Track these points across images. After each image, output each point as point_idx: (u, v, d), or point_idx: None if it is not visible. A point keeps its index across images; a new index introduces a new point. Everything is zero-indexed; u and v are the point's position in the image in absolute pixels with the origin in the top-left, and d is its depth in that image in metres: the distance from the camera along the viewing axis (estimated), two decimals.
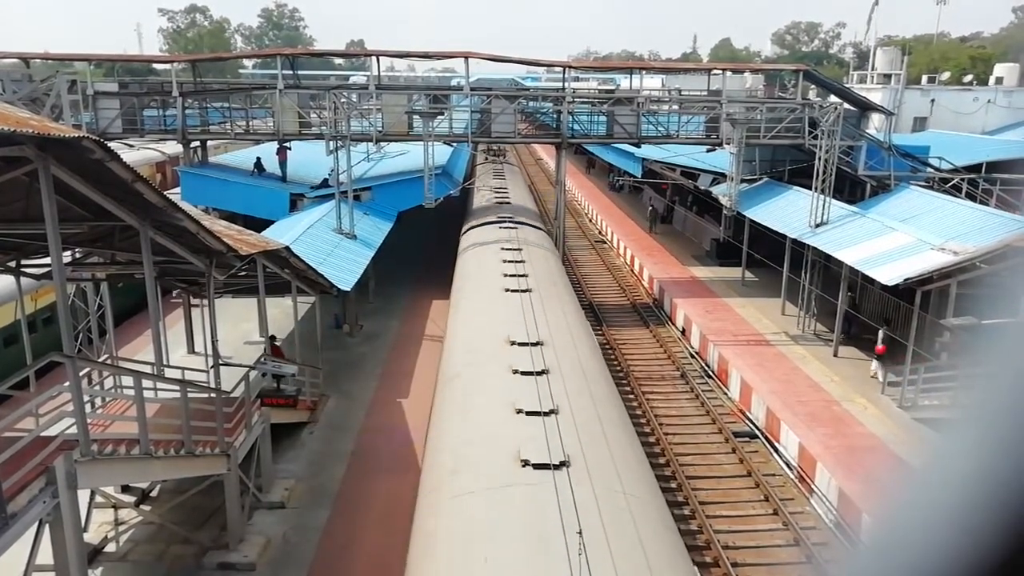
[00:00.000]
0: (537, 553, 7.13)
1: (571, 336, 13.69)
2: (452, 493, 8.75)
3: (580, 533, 6.60)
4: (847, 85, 36.11)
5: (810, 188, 23.43)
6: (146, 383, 11.39)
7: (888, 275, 17.82)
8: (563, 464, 8.52)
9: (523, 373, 11.42)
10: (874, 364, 19.96)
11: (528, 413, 9.97)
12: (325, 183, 26.28)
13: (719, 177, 27.66)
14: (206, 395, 12.85)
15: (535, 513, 7.79)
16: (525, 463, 8.67)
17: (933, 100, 41.78)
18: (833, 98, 28.31)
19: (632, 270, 32.88)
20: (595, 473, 8.56)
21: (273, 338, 18.22)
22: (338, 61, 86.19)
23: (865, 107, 27.43)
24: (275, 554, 12.89)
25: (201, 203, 24.64)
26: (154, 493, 14.51)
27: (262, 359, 16.34)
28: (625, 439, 10.42)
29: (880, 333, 19.93)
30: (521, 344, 12.75)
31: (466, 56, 25.69)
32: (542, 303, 15.16)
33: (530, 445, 8.96)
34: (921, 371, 17.65)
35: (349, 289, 19.87)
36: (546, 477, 8.23)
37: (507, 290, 15.79)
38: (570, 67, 27.70)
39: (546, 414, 9.78)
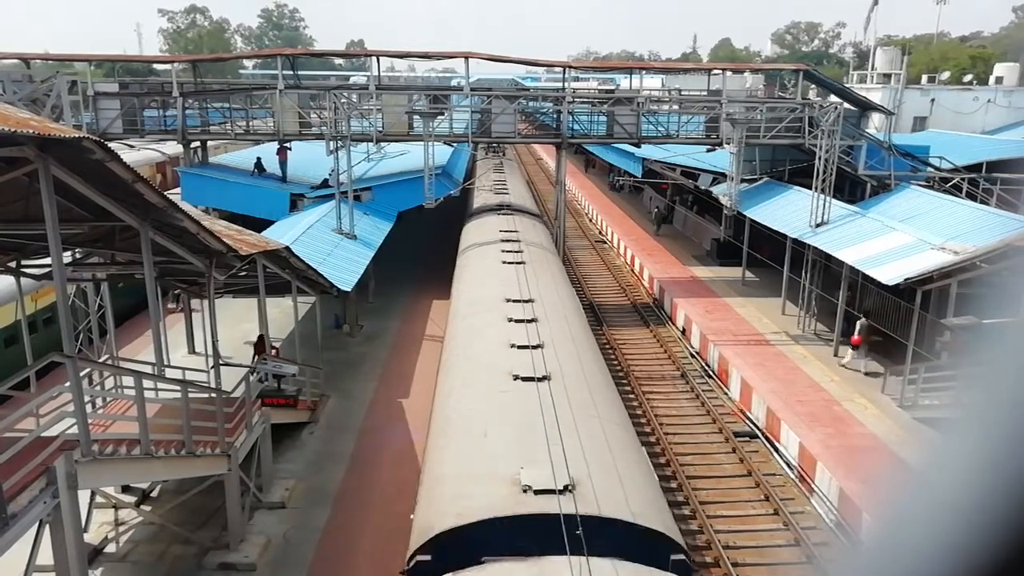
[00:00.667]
0: (524, 433, 9.57)
1: (563, 308, 14.85)
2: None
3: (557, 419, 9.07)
4: (847, 85, 36.09)
5: (810, 188, 23.43)
6: (146, 383, 11.39)
7: (888, 275, 17.81)
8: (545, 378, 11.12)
9: (520, 347, 12.71)
10: (848, 355, 20.55)
11: (524, 378, 11.49)
12: (325, 183, 26.29)
13: (719, 177, 27.66)
14: (206, 395, 12.85)
15: (523, 408, 10.22)
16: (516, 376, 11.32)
17: (933, 100, 41.76)
18: (833, 98, 28.31)
19: (632, 270, 32.88)
20: (569, 384, 11.17)
21: (261, 338, 18.05)
22: (338, 61, 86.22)
23: (865, 107, 27.42)
24: (275, 554, 12.90)
25: (201, 203, 24.66)
26: (155, 493, 14.51)
27: (262, 359, 16.35)
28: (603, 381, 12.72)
29: (858, 324, 20.54)
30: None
31: (466, 56, 25.69)
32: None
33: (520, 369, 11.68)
34: (921, 371, 17.65)
35: (349, 289, 19.87)
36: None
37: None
38: (570, 67, 27.70)
39: (539, 380, 11.38)
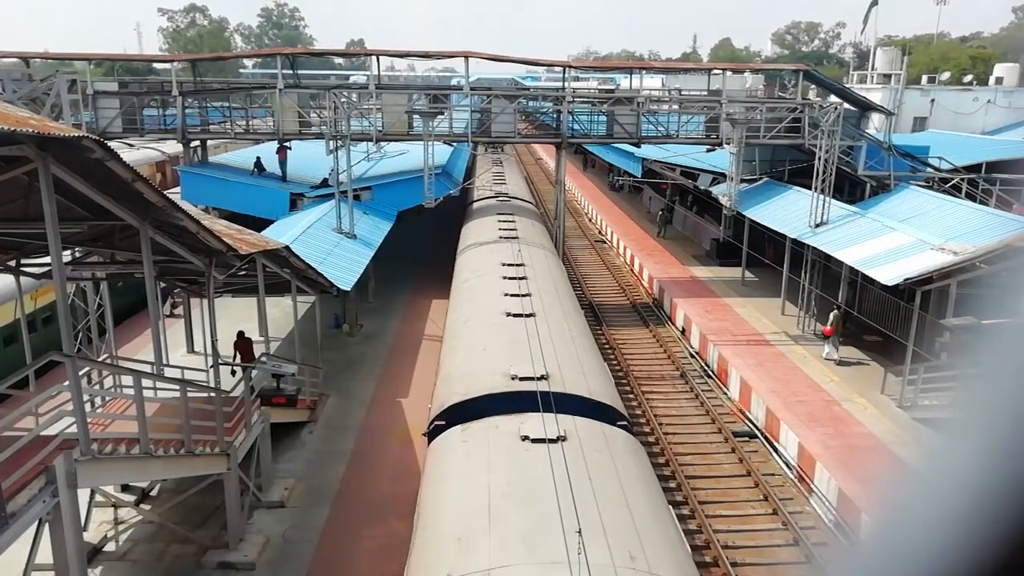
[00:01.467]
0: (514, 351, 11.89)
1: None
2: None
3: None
4: (847, 85, 36.09)
5: (810, 188, 23.43)
6: (146, 382, 11.40)
7: (888, 275, 17.82)
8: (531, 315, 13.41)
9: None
10: (826, 347, 21.04)
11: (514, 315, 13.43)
12: (325, 183, 26.28)
13: (719, 177, 27.66)
14: (206, 394, 12.85)
15: (513, 336, 12.67)
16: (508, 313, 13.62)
17: (933, 100, 41.78)
18: (833, 98, 28.32)
19: (632, 270, 32.88)
20: (552, 319, 13.67)
21: (241, 333, 18.13)
22: (338, 61, 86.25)
23: (865, 107, 27.43)
24: (275, 553, 12.90)
25: (201, 203, 24.65)
26: (154, 492, 14.51)
27: (261, 359, 16.34)
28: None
29: (831, 315, 21.09)
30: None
31: (466, 56, 25.69)
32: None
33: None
34: (921, 371, 17.66)
35: (349, 289, 19.87)
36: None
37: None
38: (570, 67, 27.69)
39: (527, 315, 13.61)
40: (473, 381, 11.65)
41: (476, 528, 7.96)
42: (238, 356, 17.56)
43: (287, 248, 15.98)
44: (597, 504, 7.93)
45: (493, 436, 9.95)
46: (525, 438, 9.54)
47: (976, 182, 26.80)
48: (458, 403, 10.93)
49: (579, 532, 6.77)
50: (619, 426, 10.70)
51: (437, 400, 11.93)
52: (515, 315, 14.09)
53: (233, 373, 15.58)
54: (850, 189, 26.70)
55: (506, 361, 11.86)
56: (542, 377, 10.95)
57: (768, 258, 27.30)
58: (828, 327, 21.04)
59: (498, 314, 14.40)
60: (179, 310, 22.80)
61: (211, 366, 13.63)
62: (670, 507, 9.81)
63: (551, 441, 9.27)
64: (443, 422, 10.64)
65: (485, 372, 11.84)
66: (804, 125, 25.38)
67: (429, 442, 10.96)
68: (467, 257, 21.16)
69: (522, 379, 11.02)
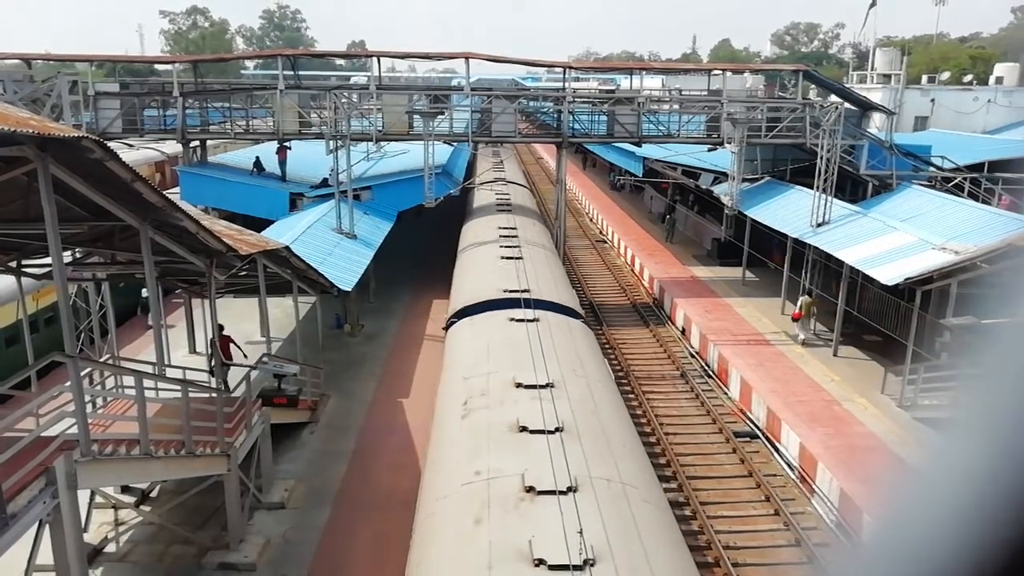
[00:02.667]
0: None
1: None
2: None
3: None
4: (847, 85, 36.09)
5: (811, 187, 23.42)
6: (147, 383, 11.40)
7: (889, 275, 17.80)
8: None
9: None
10: (796, 330, 22.45)
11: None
12: (325, 183, 26.29)
13: (720, 176, 27.66)
14: (207, 395, 12.85)
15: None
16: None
17: (933, 100, 41.78)
18: (833, 98, 28.32)
19: (632, 270, 32.87)
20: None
21: (221, 327, 16.58)
22: (339, 62, 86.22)
23: (866, 107, 27.42)
24: (275, 554, 12.89)
25: (201, 203, 24.65)
26: (154, 493, 14.51)
27: (263, 359, 16.33)
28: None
29: (800, 300, 22.50)
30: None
31: (466, 56, 25.70)
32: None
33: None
34: (921, 371, 17.64)
35: (350, 289, 19.87)
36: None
37: (505, 291, 15.95)
38: (570, 67, 27.72)
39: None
40: (477, 293, 16.51)
41: (479, 362, 12.56)
42: (211, 353, 16.85)
43: (287, 248, 15.98)
44: (557, 355, 12.18)
45: (490, 319, 14.52)
46: (512, 319, 13.95)
47: (978, 181, 26.79)
48: (466, 306, 15.68)
49: (545, 363, 11.25)
50: (576, 318, 15.79)
51: (451, 307, 17.06)
52: (507, 258, 18.36)
53: (211, 372, 15.11)
54: (852, 189, 26.68)
55: (499, 282, 16.62)
56: (525, 290, 15.22)
57: (772, 259, 27.27)
58: (797, 311, 22.42)
59: (495, 258, 19.21)
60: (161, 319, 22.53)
61: (212, 366, 13.64)
62: (609, 369, 14.82)
63: (529, 321, 13.62)
64: (456, 319, 15.37)
65: (485, 288, 16.61)
66: (805, 124, 25.37)
67: (446, 331, 15.96)
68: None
69: (510, 291, 15.37)
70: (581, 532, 6.94)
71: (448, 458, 9.79)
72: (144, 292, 22.20)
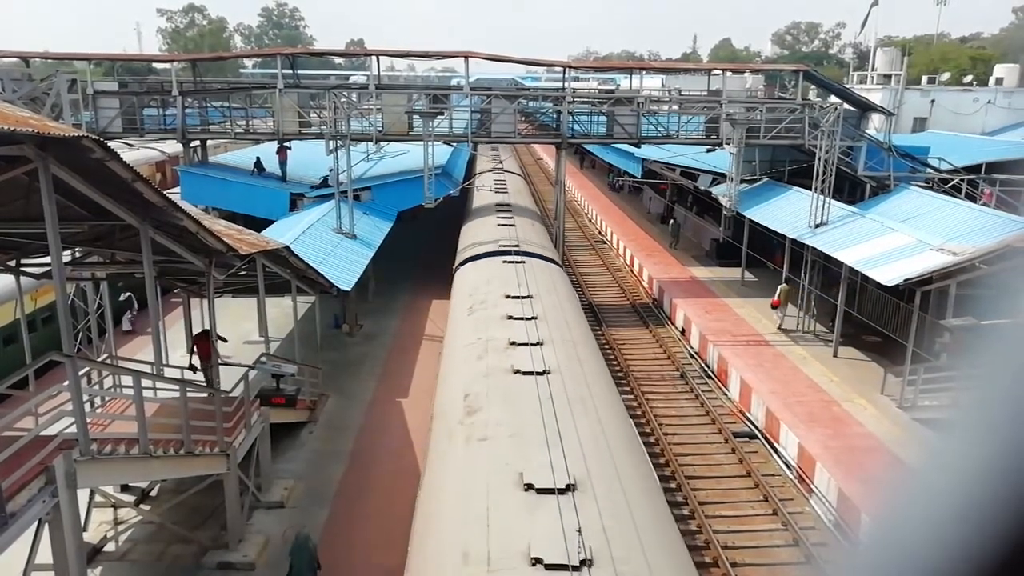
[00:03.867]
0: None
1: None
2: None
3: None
4: (847, 85, 36.10)
5: (810, 188, 23.43)
6: (145, 382, 11.39)
7: (888, 275, 17.81)
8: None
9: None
10: (776, 316, 23.82)
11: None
12: (325, 183, 26.28)
13: (719, 177, 27.66)
14: (205, 395, 12.84)
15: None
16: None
17: (933, 101, 41.76)
18: (833, 98, 28.32)
19: (631, 270, 32.88)
20: (523, 223, 19.92)
21: (206, 332, 15.01)
22: (338, 61, 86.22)
23: (865, 107, 27.43)
24: (274, 553, 12.88)
25: (201, 203, 24.64)
26: (153, 492, 14.51)
27: (262, 359, 16.33)
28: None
29: (778, 288, 23.88)
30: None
31: (466, 56, 25.68)
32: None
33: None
34: (920, 371, 17.65)
35: (349, 289, 19.87)
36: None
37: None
38: (570, 67, 27.70)
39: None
40: (478, 248, 21.43)
41: (480, 288, 17.46)
42: (192, 355, 15.14)
43: (287, 248, 15.98)
44: (540, 289, 16.57)
45: (489, 263, 19.48)
46: (504, 262, 18.84)
47: (976, 183, 26.80)
48: (469, 256, 20.67)
49: (530, 298, 15.47)
50: (555, 264, 21.16)
51: (459, 258, 21.69)
52: (508, 263, 19.77)
53: (193, 370, 14.38)
54: (850, 189, 26.69)
55: (496, 238, 21.66)
56: (516, 244, 20.42)
57: (770, 259, 27.28)
58: (775, 299, 23.87)
59: (493, 226, 23.28)
60: (139, 325, 22.28)
61: (211, 366, 13.63)
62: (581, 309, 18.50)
63: (517, 262, 18.48)
64: (463, 264, 20.11)
65: (485, 243, 21.53)
66: (804, 125, 25.38)
67: (453, 275, 20.46)
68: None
69: (504, 244, 20.71)
70: (552, 403, 10.42)
71: (459, 328, 15.66)
72: (122, 296, 22.09)
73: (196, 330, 15.79)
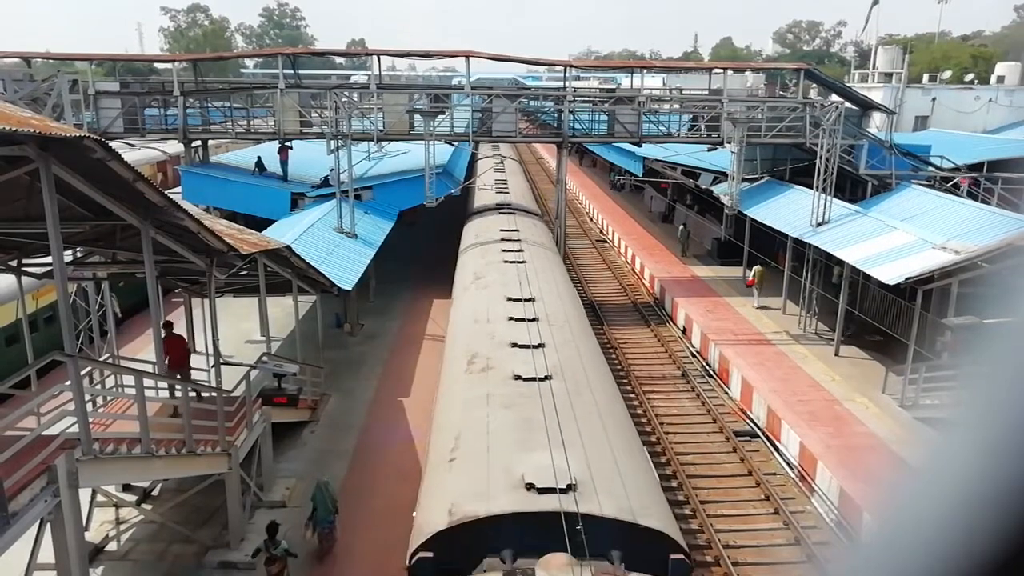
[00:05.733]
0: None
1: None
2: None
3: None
4: (848, 84, 36.05)
5: (811, 187, 23.41)
6: (147, 382, 11.40)
7: (889, 274, 17.79)
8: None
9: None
10: (754, 299, 25.46)
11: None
12: (326, 182, 26.29)
13: (720, 176, 27.65)
14: (207, 394, 12.85)
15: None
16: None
17: (934, 99, 41.69)
18: (834, 97, 28.30)
19: (633, 269, 32.87)
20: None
21: (169, 325, 14.44)
22: (339, 60, 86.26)
23: (866, 106, 27.40)
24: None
25: (202, 202, 24.67)
26: (155, 492, 14.53)
27: (262, 359, 16.33)
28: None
29: (753, 269, 25.72)
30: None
31: (467, 55, 25.68)
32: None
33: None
34: (922, 370, 17.64)
35: (350, 288, 19.88)
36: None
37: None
38: (571, 66, 27.68)
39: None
40: (481, 236, 22.67)
41: (477, 255, 20.25)
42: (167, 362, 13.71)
43: (288, 248, 15.98)
44: (529, 243, 20.55)
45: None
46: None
47: (978, 181, 26.77)
48: (473, 243, 21.48)
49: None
50: (544, 222, 25.30)
51: (464, 243, 22.90)
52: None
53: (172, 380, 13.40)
54: (851, 188, 26.67)
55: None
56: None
57: (772, 258, 27.26)
58: (750, 279, 25.91)
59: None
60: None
61: (212, 365, 13.64)
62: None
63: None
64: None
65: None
66: (805, 124, 25.36)
67: (458, 258, 21.59)
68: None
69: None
70: (542, 346, 12.51)
71: (463, 271, 19.37)
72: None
73: (197, 330, 15.77)
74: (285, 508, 14.19)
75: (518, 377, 11.48)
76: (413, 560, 7.92)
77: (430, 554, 7.80)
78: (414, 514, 9.04)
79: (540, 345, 12.66)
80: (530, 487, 8.21)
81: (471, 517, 7.97)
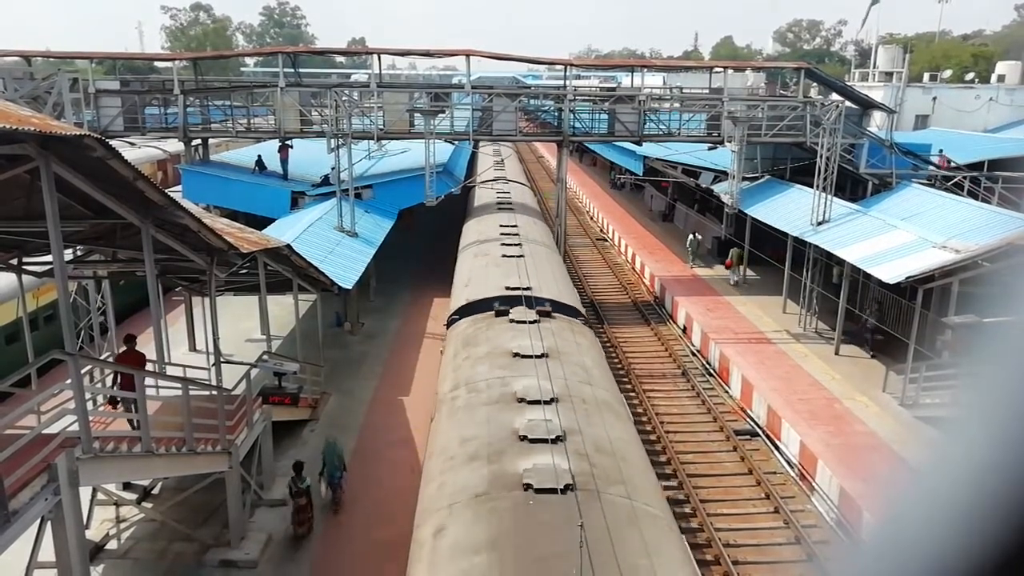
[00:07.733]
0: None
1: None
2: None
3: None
4: (849, 83, 36.02)
5: (812, 186, 23.40)
6: (147, 380, 11.40)
7: (890, 273, 17.79)
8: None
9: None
10: (731, 278, 27.97)
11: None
12: (326, 181, 26.29)
13: (720, 175, 27.64)
14: (207, 393, 12.86)
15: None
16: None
17: (935, 98, 41.68)
18: (835, 96, 28.29)
19: (633, 268, 32.86)
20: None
21: (131, 339, 12.80)
22: (340, 59, 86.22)
23: (867, 105, 27.38)
24: (276, 551, 12.91)
25: (202, 201, 24.66)
26: (156, 490, 14.53)
27: (263, 358, 16.34)
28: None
29: (731, 252, 28.04)
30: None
31: (467, 54, 25.67)
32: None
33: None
34: (922, 369, 17.63)
35: (350, 287, 19.87)
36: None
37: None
38: (571, 65, 27.68)
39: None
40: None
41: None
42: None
43: (288, 247, 15.98)
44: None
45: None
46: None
47: (978, 180, 26.76)
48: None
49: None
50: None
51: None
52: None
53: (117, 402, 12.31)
54: (852, 187, 26.66)
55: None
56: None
57: (772, 257, 27.27)
58: (728, 260, 28.23)
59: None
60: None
61: (213, 364, 13.65)
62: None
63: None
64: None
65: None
66: (806, 123, 25.35)
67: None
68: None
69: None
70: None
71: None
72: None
73: (198, 328, 15.77)
74: (286, 506, 14.18)
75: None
76: None
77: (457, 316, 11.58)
78: None
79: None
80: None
81: None
